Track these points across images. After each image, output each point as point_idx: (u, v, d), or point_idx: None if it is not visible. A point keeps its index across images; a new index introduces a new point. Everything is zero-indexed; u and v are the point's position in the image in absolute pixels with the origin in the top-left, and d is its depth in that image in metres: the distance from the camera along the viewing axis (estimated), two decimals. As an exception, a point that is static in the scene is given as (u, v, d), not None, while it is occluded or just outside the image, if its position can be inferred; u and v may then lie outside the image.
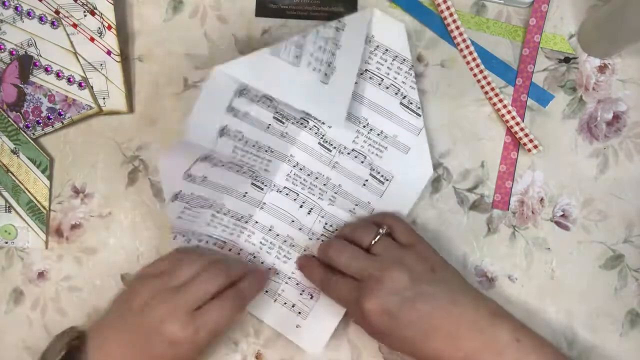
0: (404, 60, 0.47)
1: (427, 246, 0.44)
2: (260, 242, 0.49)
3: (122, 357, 0.41)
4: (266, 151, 0.48)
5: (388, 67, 0.47)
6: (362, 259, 0.42)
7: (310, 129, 0.48)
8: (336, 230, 0.49)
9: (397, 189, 0.48)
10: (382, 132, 0.48)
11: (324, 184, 0.48)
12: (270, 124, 0.47)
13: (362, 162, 0.48)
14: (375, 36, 0.47)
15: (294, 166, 0.48)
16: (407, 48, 0.47)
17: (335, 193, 0.48)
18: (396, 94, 0.48)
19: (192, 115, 0.43)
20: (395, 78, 0.47)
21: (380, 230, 0.43)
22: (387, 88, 0.48)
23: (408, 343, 0.41)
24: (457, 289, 0.41)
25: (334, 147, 0.48)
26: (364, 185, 0.48)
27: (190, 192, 0.46)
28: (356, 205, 0.48)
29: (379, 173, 0.48)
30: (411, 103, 0.48)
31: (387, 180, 0.48)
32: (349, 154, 0.48)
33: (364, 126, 0.48)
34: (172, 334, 0.40)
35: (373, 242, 0.43)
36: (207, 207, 0.47)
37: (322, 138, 0.48)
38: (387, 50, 0.47)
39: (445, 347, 0.40)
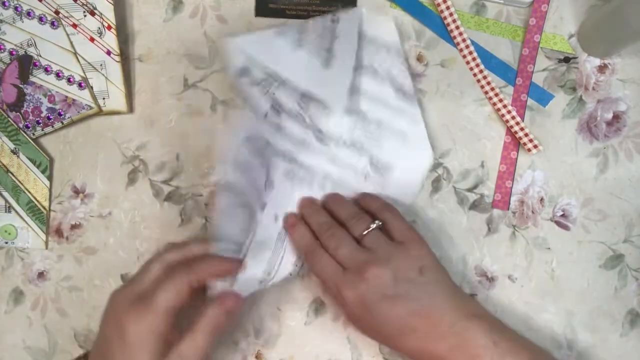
0: (396, 51, 0.48)
1: (420, 245, 0.43)
2: None
3: None
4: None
5: (380, 59, 0.48)
6: (351, 248, 0.42)
7: (307, 125, 0.48)
8: None
9: (400, 178, 0.48)
10: (379, 122, 0.48)
11: (324, 178, 0.48)
12: (267, 113, 0.47)
13: (361, 154, 0.48)
14: (366, 32, 0.48)
15: (292, 162, 0.48)
16: (398, 40, 0.48)
17: (337, 188, 0.48)
18: (390, 84, 0.48)
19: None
20: (388, 69, 0.48)
21: (372, 225, 0.43)
22: (382, 79, 0.48)
23: (383, 337, 0.42)
24: (440, 292, 0.41)
25: (332, 141, 0.48)
26: (366, 178, 0.48)
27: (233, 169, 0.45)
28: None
29: (379, 163, 0.48)
30: (405, 92, 0.48)
31: (388, 170, 0.48)
32: (347, 147, 0.48)
33: (361, 118, 0.48)
34: (122, 319, 0.38)
35: (364, 233, 0.43)
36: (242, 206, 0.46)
37: (319, 132, 0.48)
38: (378, 43, 0.48)
39: (419, 346, 0.40)
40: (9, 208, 0.50)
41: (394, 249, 0.42)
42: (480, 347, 0.39)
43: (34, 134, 0.50)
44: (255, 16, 0.50)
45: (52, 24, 0.49)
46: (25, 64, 0.49)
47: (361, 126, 0.48)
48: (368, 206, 0.46)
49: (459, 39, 0.49)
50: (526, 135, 0.48)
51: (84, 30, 0.48)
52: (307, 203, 0.47)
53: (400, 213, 0.45)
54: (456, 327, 0.39)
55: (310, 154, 0.48)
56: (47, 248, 0.51)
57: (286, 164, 0.48)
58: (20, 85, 0.50)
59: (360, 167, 0.48)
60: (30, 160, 0.50)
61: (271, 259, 0.46)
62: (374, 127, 0.48)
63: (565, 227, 0.49)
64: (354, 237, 0.43)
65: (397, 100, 0.48)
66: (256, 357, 0.49)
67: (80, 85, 0.49)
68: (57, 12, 0.48)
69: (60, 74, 0.49)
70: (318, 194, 0.48)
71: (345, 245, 0.42)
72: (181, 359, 0.38)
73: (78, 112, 0.49)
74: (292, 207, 0.48)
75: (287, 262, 0.46)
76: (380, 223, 0.43)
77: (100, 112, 0.50)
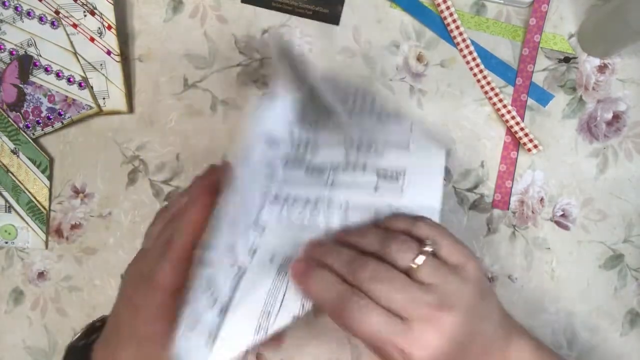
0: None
1: (475, 262, 0.35)
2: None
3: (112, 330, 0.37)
4: None
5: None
6: (409, 290, 0.32)
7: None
8: None
9: (416, 179, 0.38)
10: (371, 139, 0.40)
11: (327, 206, 0.38)
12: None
13: (364, 169, 0.39)
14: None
15: (283, 200, 0.39)
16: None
17: (345, 211, 0.38)
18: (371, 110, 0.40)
19: None
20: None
21: (426, 249, 0.33)
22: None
23: None
24: (496, 316, 0.36)
25: (327, 168, 0.39)
26: (376, 189, 0.38)
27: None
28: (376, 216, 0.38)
29: (387, 171, 0.39)
30: (389, 114, 0.40)
31: (400, 173, 0.38)
32: (344, 169, 0.39)
33: (351, 141, 0.40)
34: (131, 300, 0.35)
35: (415, 264, 0.33)
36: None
37: (308, 165, 0.40)
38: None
39: None
40: (9, 208, 0.50)
41: (456, 280, 0.34)
42: None
43: (34, 134, 0.50)
44: (242, 2, 0.50)
45: (52, 23, 0.49)
46: (25, 63, 0.49)
47: (355, 149, 0.39)
48: (396, 227, 0.36)
49: (459, 39, 0.49)
50: (526, 135, 0.48)
51: (84, 30, 0.48)
52: (317, 243, 0.36)
53: (439, 225, 0.36)
54: (507, 349, 0.37)
55: (302, 187, 0.39)
56: (47, 248, 0.51)
57: (273, 207, 0.39)
58: (20, 85, 0.50)
59: (368, 179, 0.38)
60: (30, 160, 0.50)
61: (269, 298, 0.35)
62: (368, 143, 0.39)
63: (565, 227, 0.49)
64: (400, 269, 0.33)
65: (384, 119, 0.40)
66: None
67: (80, 85, 0.49)
68: (57, 12, 0.48)
69: (60, 74, 0.49)
70: (326, 226, 0.38)
71: (400, 287, 0.32)
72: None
73: (78, 112, 0.49)
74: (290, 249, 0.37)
75: (290, 300, 0.35)
76: (431, 244, 0.34)
77: (100, 112, 0.50)
